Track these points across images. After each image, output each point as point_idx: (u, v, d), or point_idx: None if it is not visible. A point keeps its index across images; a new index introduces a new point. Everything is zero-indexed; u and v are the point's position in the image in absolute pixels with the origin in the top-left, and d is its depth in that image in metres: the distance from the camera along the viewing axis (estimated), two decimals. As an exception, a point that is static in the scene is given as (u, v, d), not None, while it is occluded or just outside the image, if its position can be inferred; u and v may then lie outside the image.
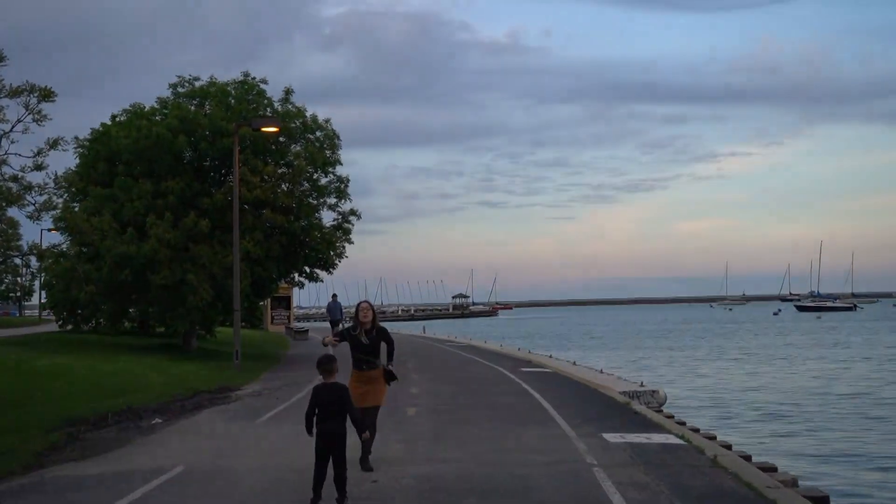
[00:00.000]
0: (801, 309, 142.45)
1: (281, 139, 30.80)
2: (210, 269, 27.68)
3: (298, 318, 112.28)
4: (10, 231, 43.65)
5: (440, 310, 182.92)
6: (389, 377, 11.17)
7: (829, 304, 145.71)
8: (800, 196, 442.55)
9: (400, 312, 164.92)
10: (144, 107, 30.87)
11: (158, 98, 31.05)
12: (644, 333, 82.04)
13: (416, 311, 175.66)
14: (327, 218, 31.68)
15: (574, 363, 30.10)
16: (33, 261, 40.16)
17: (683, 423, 17.62)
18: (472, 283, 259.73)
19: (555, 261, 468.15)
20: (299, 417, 9.98)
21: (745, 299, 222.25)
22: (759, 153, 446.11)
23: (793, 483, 11.77)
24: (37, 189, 17.53)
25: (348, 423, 9.08)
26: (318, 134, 31.04)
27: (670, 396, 22.56)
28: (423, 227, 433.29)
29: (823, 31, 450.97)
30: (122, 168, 29.29)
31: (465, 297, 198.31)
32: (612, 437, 12.92)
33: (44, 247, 33.75)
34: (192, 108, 30.24)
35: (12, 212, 30.68)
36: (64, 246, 28.91)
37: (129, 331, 38.80)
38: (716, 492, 9.51)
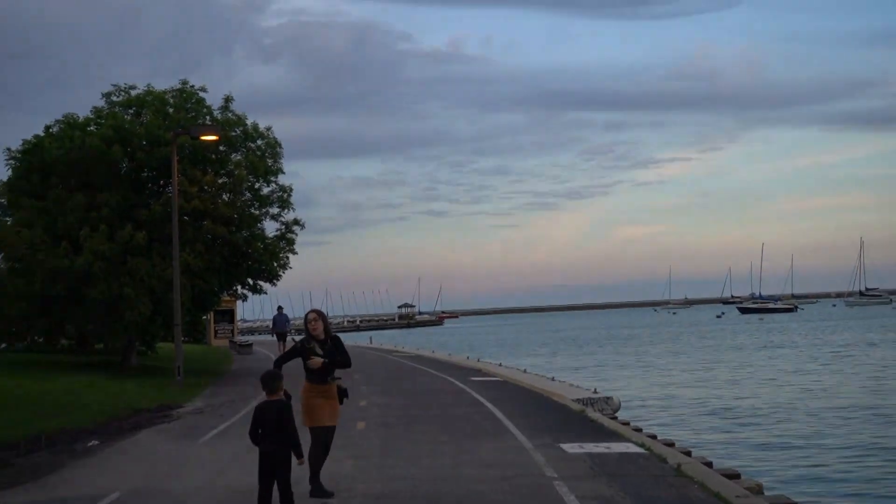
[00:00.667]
0: (744, 311, 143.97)
1: (221, 148, 29.95)
2: (148, 282, 26.78)
3: (243, 332, 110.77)
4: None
5: (386, 320, 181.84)
6: (342, 395, 10.09)
7: (770, 305, 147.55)
8: (739, 200, 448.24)
9: (346, 323, 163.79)
10: (78, 117, 29.83)
11: (93, 108, 30.04)
12: (592, 340, 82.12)
13: (361, 321, 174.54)
14: (270, 228, 30.94)
15: (525, 371, 29.70)
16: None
17: (640, 430, 17.28)
18: (419, 293, 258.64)
19: (500, 269, 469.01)
20: (244, 435, 9.38)
21: (689, 303, 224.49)
22: (698, 158, 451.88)
23: (758, 490, 11.43)
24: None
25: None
26: (259, 142, 30.27)
27: (623, 402, 22.26)
28: (367, 238, 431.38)
29: (758, 37, 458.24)
30: (55, 180, 28.28)
31: (411, 306, 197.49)
32: (570, 448, 12.48)
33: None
34: (128, 117, 29.32)
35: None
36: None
37: (67, 348, 37.64)
38: (684, 504, 9.11)
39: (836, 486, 16.23)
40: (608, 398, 20.34)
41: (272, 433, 8.31)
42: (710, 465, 13.28)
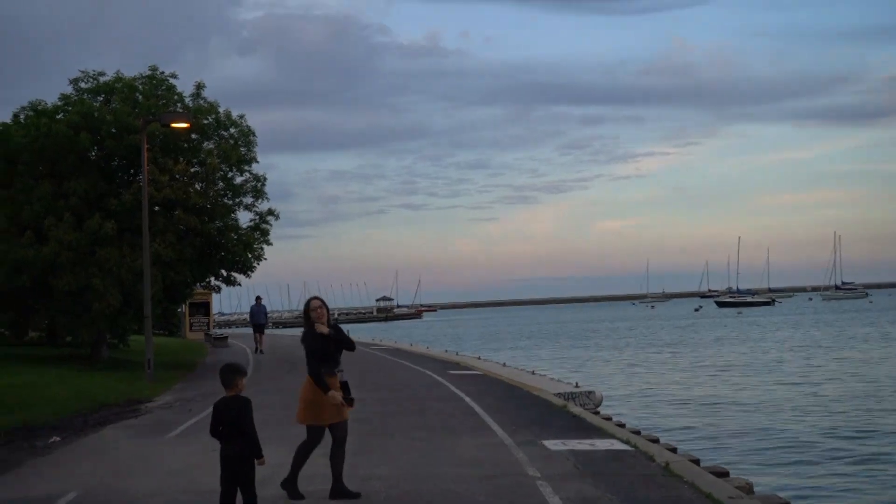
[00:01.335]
0: (721, 305, 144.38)
1: (193, 136, 29.23)
2: (118, 273, 26.02)
3: (220, 325, 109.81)
4: None
5: (364, 313, 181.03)
6: (345, 388, 9.31)
7: (748, 299, 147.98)
8: (716, 194, 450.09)
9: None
10: (46, 104, 28.98)
11: (61, 95, 29.18)
12: (571, 333, 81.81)
13: (339, 314, 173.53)
14: (244, 219, 30.21)
15: (504, 364, 29.20)
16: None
17: (623, 426, 16.79)
18: (397, 286, 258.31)
19: (478, 262, 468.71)
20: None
21: (666, 296, 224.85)
22: (675, 153, 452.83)
23: (748, 489, 10.96)
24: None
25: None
26: (232, 131, 29.51)
27: (605, 396, 21.78)
28: (345, 231, 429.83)
29: (735, 32, 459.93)
30: (21, 168, 27.47)
31: (389, 299, 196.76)
32: (552, 445, 11.95)
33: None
34: (97, 104, 28.51)
35: None
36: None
37: (36, 341, 36.80)
38: (675, 505, 8.59)
39: (823, 480, 15.81)
40: (590, 392, 19.85)
41: (232, 433, 7.69)
42: (697, 462, 12.80)
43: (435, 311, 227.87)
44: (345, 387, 9.31)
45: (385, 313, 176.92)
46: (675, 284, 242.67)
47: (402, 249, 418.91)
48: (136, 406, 19.17)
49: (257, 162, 29.84)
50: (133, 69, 29.19)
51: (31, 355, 30.01)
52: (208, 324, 59.61)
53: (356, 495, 9.14)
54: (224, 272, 30.69)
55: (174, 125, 25.40)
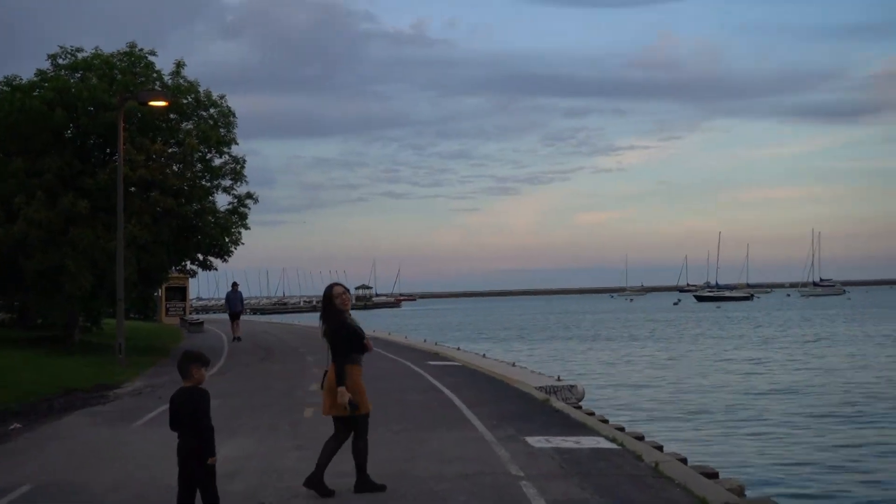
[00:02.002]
0: (700, 299, 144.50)
1: (172, 116, 28.55)
2: (91, 254, 25.35)
3: (198, 310, 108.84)
4: None
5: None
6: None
7: (727, 294, 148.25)
8: (697, 189, 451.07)
9: (302, 304, 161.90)
10: (21, 80, 28.19)
11: (37, 70, 28.38)
12: (551, 325, 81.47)
13: (318, 302, 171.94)
14: (222, 202, 29.55)
15: (484, 356, 28.70)
16: None
17: (607, 421, 16.32)
18: (375, 274, 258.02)
19: (459, 252, 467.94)
20: None
21: (645, 290, 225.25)
22: (657, 146, 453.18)
23: (740, 491, 10.49)
24: None
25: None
26: (212, 111, 28.83)
27: (587, 390, 21.29)
28: (326, 218, 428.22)
29: (720, 27, 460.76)
30: (-6, 145, 26.73)
31: (368, 287, 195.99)
32: (536, 441, 11.44)
33: None
34: (74, 81, 27.74)
35: None
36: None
37: (7, 323, 36.06)
38: (667, 511, 8.10)
39: (810, 479, 15.40)
40: (572, 386, 19.34)
41: (188, 426, 7.11)
42: (685, 461, 12.35)
43: (414, 300, 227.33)
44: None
45: (364, 301, 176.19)
46: (654, 278, 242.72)
47: (383, 238, 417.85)
48: (105, 392, 18.56)
49: (237, 144, 29.26)
50: (114, 49, 28.31)
51: (2, 337, 29.30)
52: (184, 309, 58.91)
53: (381, 488, 8.76)
54: (201, 256, 30.05)
55: (152, 103, 24.72)
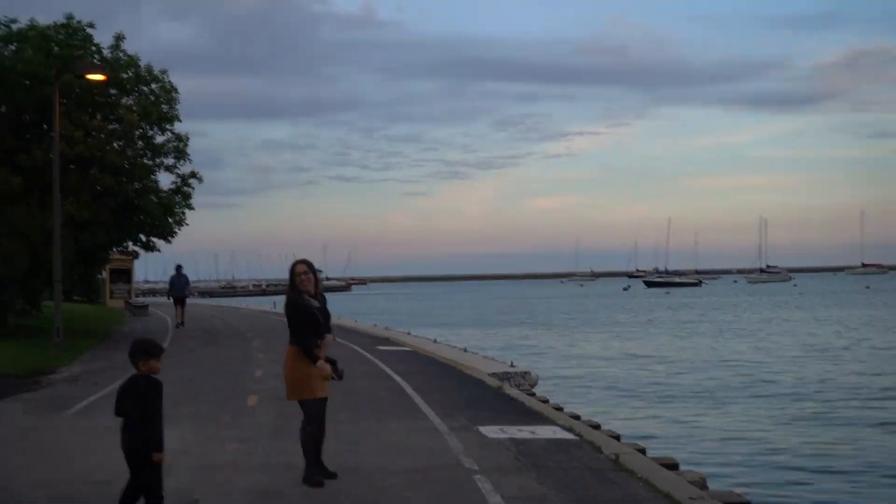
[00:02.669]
0: (650, 285, 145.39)
1: (112, 92, 27.48)
2: (27, 233, 24.31)
3: (145, 293, 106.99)
4: None
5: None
6: (333, 365, 8.39)
7: (676, 279, 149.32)
8: (646, 175, 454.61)
9: (251, 287, 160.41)
10: (-48, 51, 26.94)
11: (-32, 42, 27.14)
12: (502, 310, 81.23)
13: (268, 285, 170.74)
14: (165, 181, 28.60)
15: (435, 341, 28.12)
16: None
17: (561, 409, 15.85)
18: (326, 258, 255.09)
19: (411, 237, 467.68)
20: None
21: (595, 275, 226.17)
22: (606, 133, 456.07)
23: (702, 483, 10.05)
24: None
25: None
26: (153, 86, 27.81)
27: (540, 376, 20.83)
28: (276, 201, 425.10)
29: (668, 15, 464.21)
30: (-76, 119, 25.51)
31: (319, 271, 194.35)
32: (490, 431, 10.90)
33: None
34: (8, 53, 26.56)
35: None
36: None
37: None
38: (632, 508, 7.60)
39: (770, 468, 15.09)
40: (526, 373, 18.85)
41: (134, 418, 6.45)
42: (643, 451, 11.90)
43: (365, 283, 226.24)
44: (333, 363, 8.42)
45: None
46: (604, 264, 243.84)
47: (334, 221, 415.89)
48: (38, 378, 17.69)
49: (180, 121, 28.30)
50: (51, 21, 27.14)
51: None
52: (129, 291, 57.65)
53: (332, 475, 8.29)
54: (143, 237, 29.10)
55: (89, 77, 23.71)
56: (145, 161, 27.64)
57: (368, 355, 21.31)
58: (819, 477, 14.45)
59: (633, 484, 8.34)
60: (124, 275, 57.72)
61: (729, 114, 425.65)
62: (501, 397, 14.44)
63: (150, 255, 30.90)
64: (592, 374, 28.63)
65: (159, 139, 27.91)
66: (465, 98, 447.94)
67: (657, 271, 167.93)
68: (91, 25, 27.57)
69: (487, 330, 52.11)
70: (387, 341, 26.48)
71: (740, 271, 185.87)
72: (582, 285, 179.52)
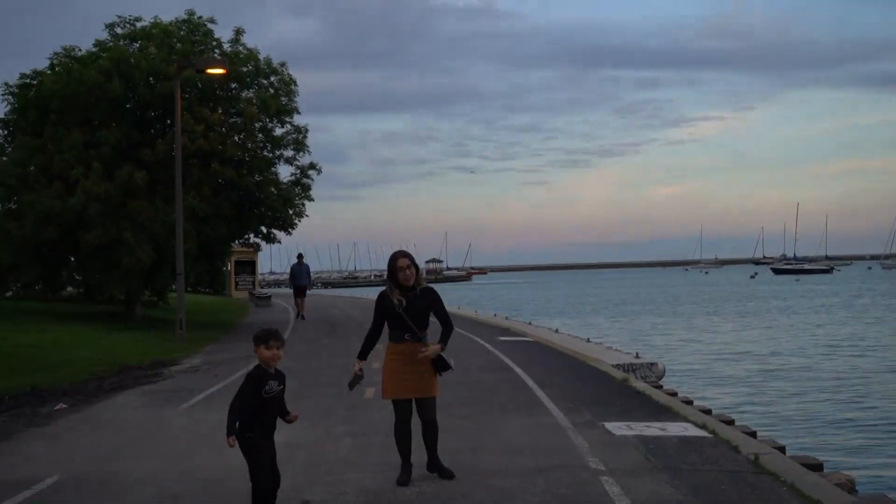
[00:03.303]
0: (778, 272, 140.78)
1: (232, 86, 27.73)
2: (150, 227, 24.70)
3: (270, 284, 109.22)
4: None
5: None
6: (440, 366, 7.83)
7: (806, 266, 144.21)
8: (772, 160, 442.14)
9: (373, 277, 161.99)
10: (81, 50, 27.63)
11: (96, 40, 27.79)
12: (625, 299, 79.72)
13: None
14: (284, 173, 28.72)
15: (557, 331, 27.46)
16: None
17: (691, 402, 15.06)
18: (446, 248, 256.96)
19: (529, 225, 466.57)
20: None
21: (720, 263, 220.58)
22: (731, 117, 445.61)
23: (850, 487, 9.21)
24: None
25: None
26: (272, 79, 27.93)
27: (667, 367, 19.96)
28: (397, 193, 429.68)
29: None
30: (53, 117, 26.17)
31: (439, 261, 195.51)
32: (616, 428, 10.25)
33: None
34: (133, 50, 27.07)
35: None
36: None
37: (75, 297, 35.82)
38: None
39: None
40: (652, 364, 18.06)
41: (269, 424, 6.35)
42: (783, 450, 11.07)
43: (485, 273, 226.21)
44: (439, 359, 7.82)
45: (435, 275, 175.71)
46: (728, 251, 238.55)
47: (454, 211, 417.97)
48: (160, 369, 17.79)
49: (298, 113, 28.31)
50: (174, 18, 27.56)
51: (65, 312, 28.94)
52: (253, 283, 58.71)
53: (450, 475, 7.92)
54: (264, 229, 29.26)
55: (210, 71, 23.88)
56: (265, 153, 27.79)
57: (489, 346, 20.83)
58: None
59: (777, 489, 7.59)
60: (249, 266, 58.86)
61: (862, 95, 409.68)
62: (627, 390, 13.73)
63: (275, 245, 31.10)
64: (722, 364, 27.48)
65: (279, 131, 28.04)
66: (586, 86, 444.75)
67: (784, 258, 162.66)
68: (212, 21, 27.92)
69: (609, 319, 51.06)
70: (507, 331, 25.95)
71: (874, 257, 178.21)
72: (707, 273, 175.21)
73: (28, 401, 13.75)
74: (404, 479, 7.76)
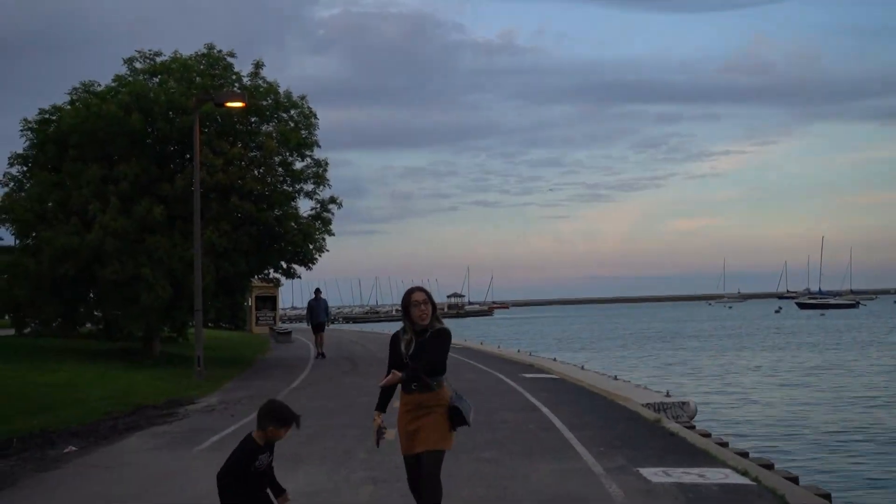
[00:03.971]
0: (803, 306, 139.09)
1: (252, 119, 27.43)
2: (168, 263, 24.32)
3: (291, 319, 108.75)
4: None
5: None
6: (456, 419, 6.87)
7: (831, 301, 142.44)
8: (794, 194, 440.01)
9: (394, 312, 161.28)
10: (100, 85, 27.44)
11: (115, 75, 27.60)
12: (649, 334, 78.76)
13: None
14: (304, 207, 28.26)
15: (582, 367, 26.81)
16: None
17: (726, 445, 14.44)
18: (468, 282, 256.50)
19: (550, 260, 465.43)
20: None
21: (743, 297, 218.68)
22: (752, 151, 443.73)
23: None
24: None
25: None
26: (292, 112, 27.60)
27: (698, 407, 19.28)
28: (417, 227, 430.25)
29: (815, 30, 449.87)
30: (72, 152, 25.92)
31: (461, 296, 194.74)
32: (652, 474, 9.66)
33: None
34: (153, 85, 26.84)
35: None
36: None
37: (94, 334, 35.45)
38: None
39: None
40: (683, 403, 17.42)
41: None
42: (828, 497, 10.44)
43: (507, 308, 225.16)
44: (454, 411, 6.86)
45: (456, 310, 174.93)
46: (751, 285, 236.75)
47: (474, 246, 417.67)
48: (175, 409, 17.27)
49: (319, 146, 27.92)
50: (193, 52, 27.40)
51: (82, 349, 28.50)
52: (274, 318, 58.26)
53: None
54: (283, 264, 28.77)
55: (229, 105, 23.52)
56: (285, 187, 27.41)
57: (513, 383, 20.23)
58: None
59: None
60: (269, 302, 58.40)
61: (885, 128, 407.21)
62: (660, 432, 13.11)
63: (297, 280, 30.37)
64: (753, 402, 26.71)
65: (298, 165, 27.66)
66: (605, 121, 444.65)
67: (809, 292, 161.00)
68: (231, 54, 27.69)
69: (635, 354, 50.25)
70: (531, 368, 25.34)
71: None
72: (730, 307, 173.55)
73: (37, 443, 13.26)
74: None
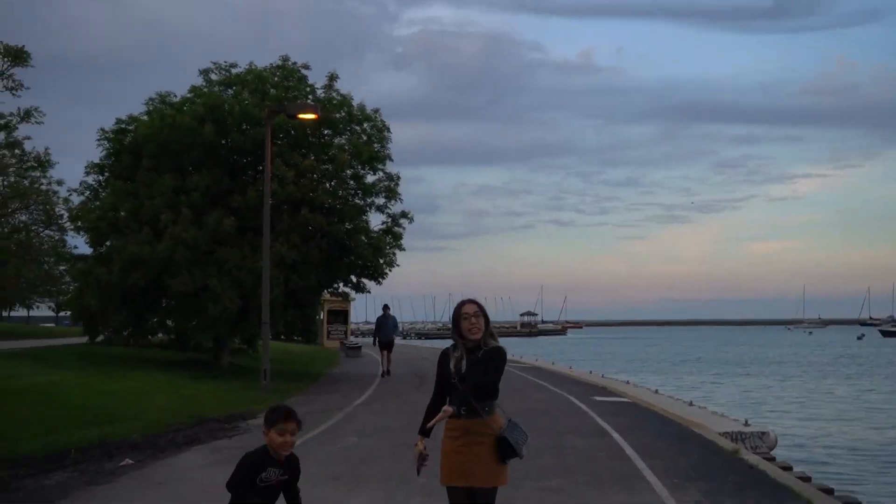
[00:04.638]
0: (886, 334, 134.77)
1: (324, 132, 27.27)
2: (237, 275, 24.20)
3: (363, 334, 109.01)
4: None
5: (508, 327, 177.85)
6: (505, 451, 6.06)
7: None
8: (880, 218, 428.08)
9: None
10: (176, 96, 27.60)
11: (191, 87, 27.73)
12: (726, 359, 76.84)
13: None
14: (375, 221, 27.98)
15: (656, 391, 25.94)
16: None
17: (808, 479, 13.59)
18: (542, 301, 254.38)
19: (625, 281, 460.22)
20: (304, 462, 6.12)
21: (824, 322, 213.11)
22: (834, 175, 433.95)
23: None
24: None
25: None
26: (365, 125, 27.37)
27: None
28: (490, 245, 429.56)
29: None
30: (147, 162, 26.07)
31: (534, 314, 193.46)
32: (730, 512, 8.97)
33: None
34: (227, 97, 26.88)
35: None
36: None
37: (163, 344, 35.68)
38: None
39: None
40: (763, 433, 16.52)
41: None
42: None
43: (581, 327, 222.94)
44: (503, 442, 6.06)
45: (529, 329, 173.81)
46: (831, 310, 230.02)
47: (548, 265, 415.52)
48: (237, 423, 17.00)
49: (391, 160, 27.62)
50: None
51: (153, 358, 28.62)
52: (346, 332, 58.26)
53: None
54: (353, 278, 28.48)
55: (301, 116, 23.33)
56: (356, 201, 27.17)
57: (584, 406, 19.55)
58: None
59: None
60: (341, 316, 58.50)
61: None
62: (738, 464, 12.35)
63: (370, 295, 30.08)
64: (837, 433, 25.53)
65: (370, 178, 27.39)
66: (684, 141, 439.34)
67: (893, 319, 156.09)
68: (306, 66, 27.63)
69: (712, 379, 48.88)
70: (603, 391, 24.58)
71: None
72: (811, 333, 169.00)
73: (95, 455, 13.05)
74: None
